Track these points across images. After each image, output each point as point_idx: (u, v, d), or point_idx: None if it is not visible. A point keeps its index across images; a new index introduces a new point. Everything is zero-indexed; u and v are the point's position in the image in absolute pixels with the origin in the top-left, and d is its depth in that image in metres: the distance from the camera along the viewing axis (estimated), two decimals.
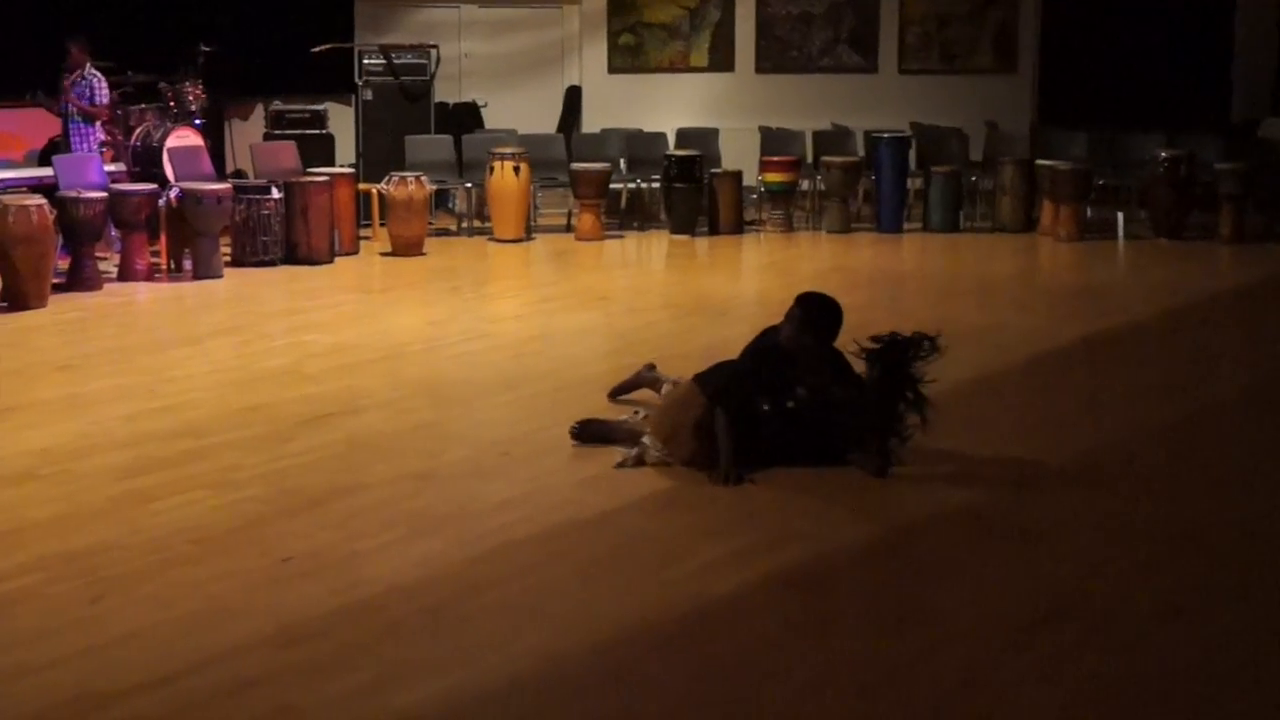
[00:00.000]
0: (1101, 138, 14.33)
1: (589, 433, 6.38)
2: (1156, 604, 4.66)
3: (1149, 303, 10.25)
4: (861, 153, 14.53)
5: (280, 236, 11.70)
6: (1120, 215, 13.71)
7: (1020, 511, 5.56)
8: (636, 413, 6.52)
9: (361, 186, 12.99)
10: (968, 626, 4.44)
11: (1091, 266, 12.10)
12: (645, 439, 6.10)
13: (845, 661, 4.19)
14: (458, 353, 8.50)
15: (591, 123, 16.14)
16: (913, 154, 14.24)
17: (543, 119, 16.23)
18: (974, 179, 14.40)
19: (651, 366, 7.27)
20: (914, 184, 14.28)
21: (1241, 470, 6.16)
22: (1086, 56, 16.31)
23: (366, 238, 12.98)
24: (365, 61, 14.18)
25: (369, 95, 14.16)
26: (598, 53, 16.64)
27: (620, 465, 6.01)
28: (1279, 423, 7.11)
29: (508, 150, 13.20)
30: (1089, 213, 13.48)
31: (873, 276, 11.53)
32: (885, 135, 14.05)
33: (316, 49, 14.32)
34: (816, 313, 6.24)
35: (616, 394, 7.18)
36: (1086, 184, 13.28)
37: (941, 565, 5.04)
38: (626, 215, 14.34)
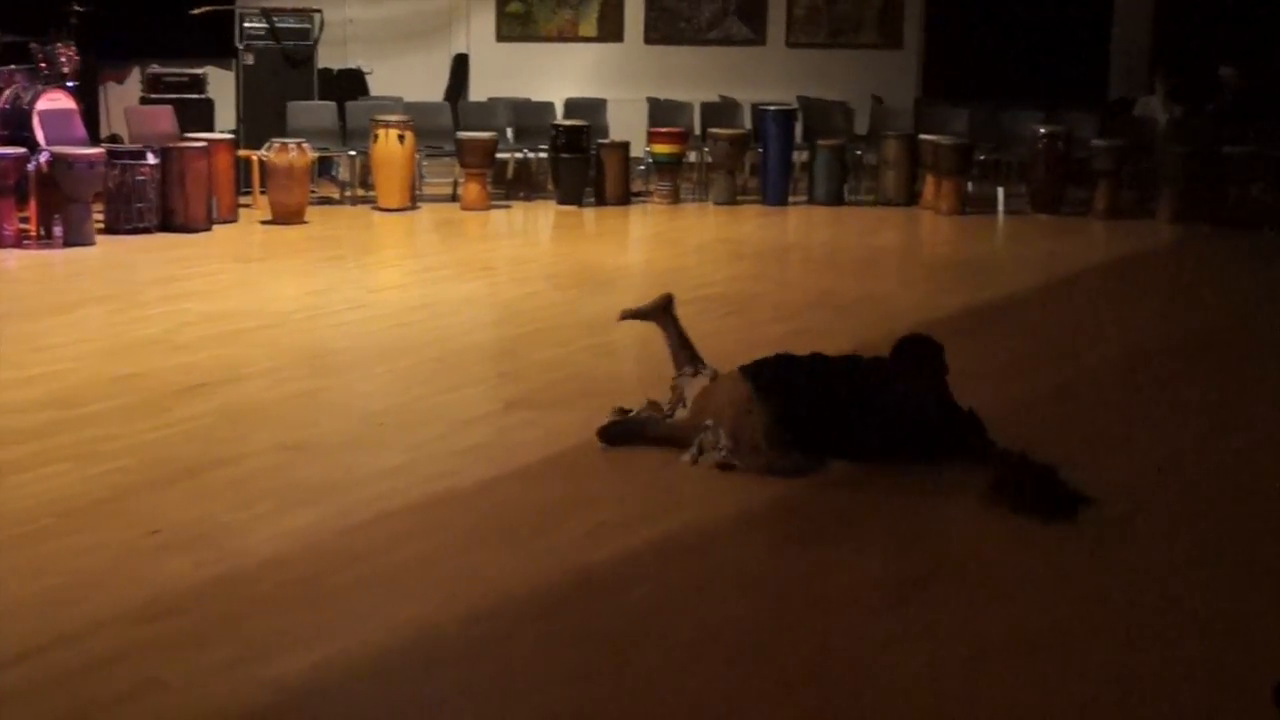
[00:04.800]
0: (983, 114, 14.51)
1: (616, 434, 5.89)
2: (1030, 565, 4.73)
3: (1026, 275, 10.41)
4: (748, 125, 14.57)
5: (156, 203, 11.44)
6: (1000, 190, 13.91)
7: (897, 477, 5.59)
8: (661, 407, 6.06)
9: (241, 153, 12.76)
10: (842, 589, 4.47)
11: (971, 240, 12.26)
12: (707, 434, 5.68)
13: (723, 627, 4.20)
14: (338, 322, 8.39)
15: (479, 91, 16.01)
16: (799, 127, 14.30)
17: (429, 87, 16.06)
18: (859, 153, 14.52)
19: (655, 404, 6.13)
20: (800, 157, 14.35)
21: (1116, 434, 6.27)
22: (970, 33, 16.48)
23: (247, 205, 12.75)
24: (246, 25, 13.88)
25: (250, 60, 13.88)
26: (486, 20, 16.51)
27: (693, 461, 5.64)
28: (1153, 389, 7.25)
29: (392, 118, 13.05)
30: (970, 187, 13.65)
31: (758, 248, 11.57)
32: (772, 108, 14.09)
33: (195, 10, 14.02)
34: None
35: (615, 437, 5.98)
36: (968, 159, 13.44)
37: (818, 531, 5.06)
38: (513, 185, 14.26)
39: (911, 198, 13.80)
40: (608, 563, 4.65)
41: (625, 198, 13.67)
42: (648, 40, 16.51)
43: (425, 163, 13.86)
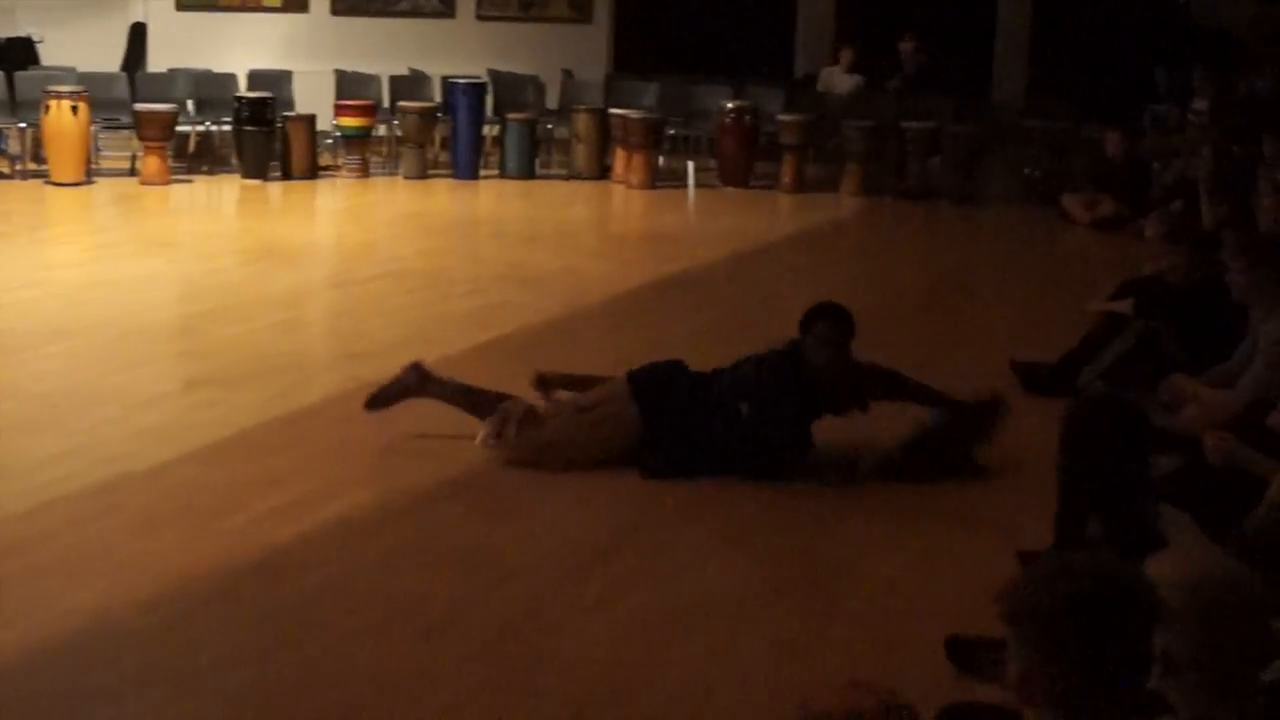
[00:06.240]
0: (672, 88, 14.73)
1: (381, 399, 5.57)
2: (714, 531, 4.86)
3: (715, 248, 10.62)
4: (438, 98, 14.46)
5: None
6: (690, 164, 14.16)
7: None
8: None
9: None
10: (528, 563, 4.51)
11: (662, 213, 12.45)
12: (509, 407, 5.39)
13: (407, 604, 4.19)
14: (6, 301, 7.96)
15: (158, 62, 15.43)
16: (490, 101, 14.26)
17: (104, 57, 15.36)
18: (549, 126, 14.56)
19: (418, 368, 5.62)
20: (491, 131, 14.31)
21: None
22: (659, 8, 16.73)
23: None
24: None
25: None
26: None
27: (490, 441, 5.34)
28: None
29: (65, 89, 12.45)
30: (660, 161, 13.85)
31: (449, 223, 11.53)
32: (462, 81, 14.00)
33: None
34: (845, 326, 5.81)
35: (376, 403, 5.63)
36: (658, 133, 13.63)
37: (504, 505, 5.09)
38: (195, 159, 13.80)
39: (602, 172, 13.92)
40: (289, 542, 4.58)
41: (312, 172, 13.38)
42: (334, 11, 16.19)
43: (101, 135, 13.29)
